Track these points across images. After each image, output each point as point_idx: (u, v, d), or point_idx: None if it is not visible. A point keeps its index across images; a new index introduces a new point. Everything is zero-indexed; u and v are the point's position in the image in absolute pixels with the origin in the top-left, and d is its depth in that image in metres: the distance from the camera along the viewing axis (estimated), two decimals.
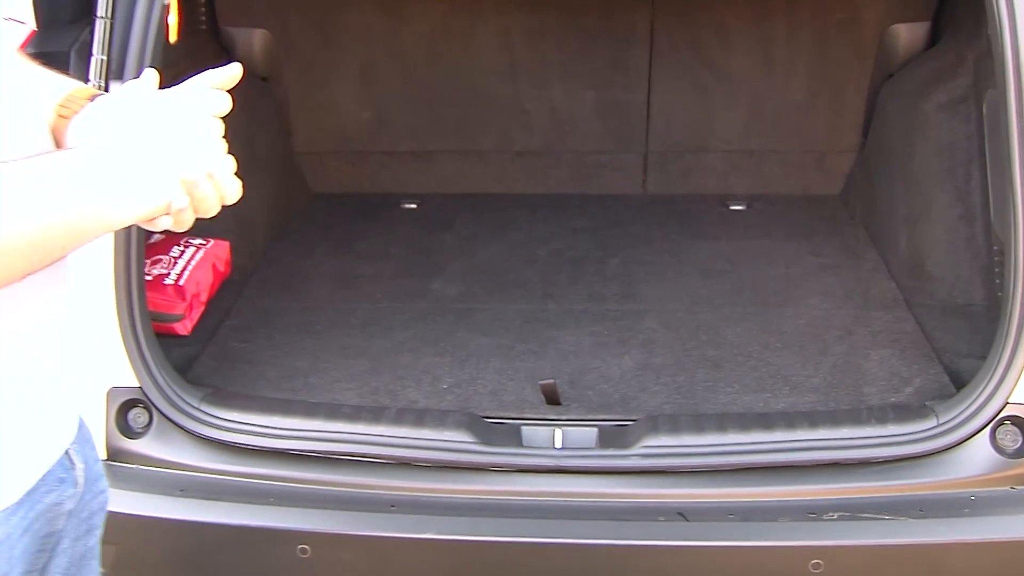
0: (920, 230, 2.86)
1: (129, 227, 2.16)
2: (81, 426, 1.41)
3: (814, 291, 2.85)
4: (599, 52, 3.41)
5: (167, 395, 2.20)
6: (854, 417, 2.15)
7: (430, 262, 3.11)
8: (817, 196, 3.59)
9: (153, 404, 2.20)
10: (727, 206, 3.52)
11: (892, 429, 2.11)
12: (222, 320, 2.74)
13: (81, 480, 1.36)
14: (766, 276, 2.96)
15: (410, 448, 2.11)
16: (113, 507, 2.02)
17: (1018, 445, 2.09)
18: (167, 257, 2.74)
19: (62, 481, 1.32)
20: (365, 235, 3.33)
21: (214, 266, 2.81)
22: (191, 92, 1.25)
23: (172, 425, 2.19)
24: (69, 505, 1.34)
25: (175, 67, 2.98)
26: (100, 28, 2.12)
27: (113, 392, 2.22)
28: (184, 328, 2.62)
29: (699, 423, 2.14)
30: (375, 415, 2.19)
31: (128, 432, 2.22)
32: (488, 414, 2.25)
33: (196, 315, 2.67)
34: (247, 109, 3.22)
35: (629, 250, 3.16)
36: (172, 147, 1.20)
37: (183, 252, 2.77)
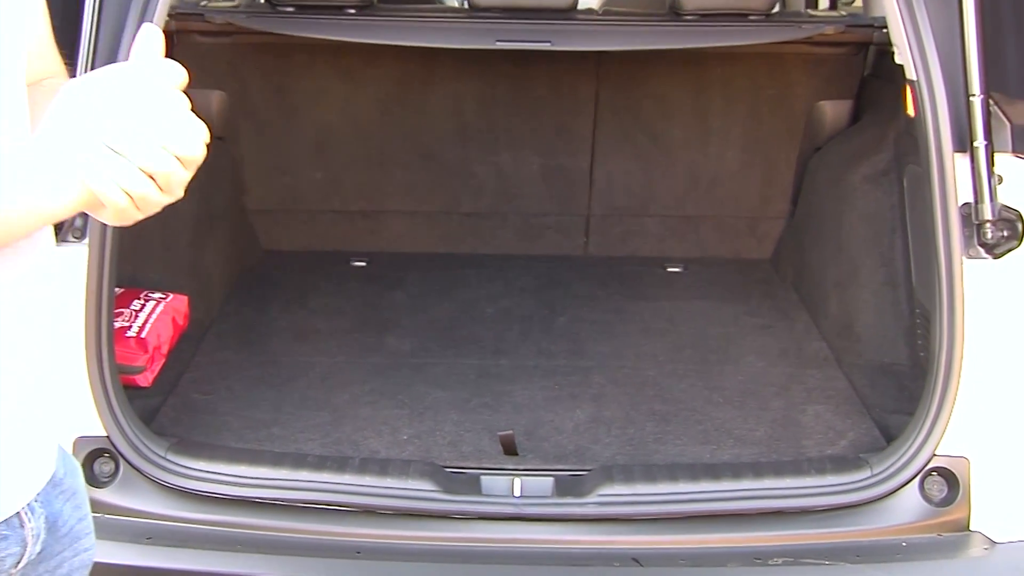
0: (849, 293, 3.02)
1: (101, 277, 2.24)
2: (60, 481, 1.37)
3: (751, 349, 2.99)
4: (546, 120, 3.55)
5: (134, 444, 2.24)
6: (795, 468, 2.28)
7: (382, 318, 3.18)
8: (750, 260, 3.76)
9: (120, 453, 2.23)
10: (664, 268, 3.67)
11: (830, 479, 2.24)
12: (182, 372, 2.77)
13: (30, 540, 1.29)
14: (706, 335, 3.09)
15: (375, 496, 2.17)
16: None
17: (944, 494, 2.24)
18: (128, 310, 2.77)
19: (3, 538, 1.25)
20: (317, 291, 3.40)
21: (174, 319, 2.86)
22: (134, 70, 1.11)
23: (138, 474, 2.23)
24: (9, 563, 1.27)
25: None
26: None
27: (80, 441, 2.25)
28: (145, 380, 2.66)
29: (651, 472, 2.24)
30: (339, 464, 2.25)
31: (94, 481, 2.25)
32: (448, 464, 2.32)
33: (157, 367, 2.71)
34: (206, 167, 3.27)
35: (574, 309, 3.28)
36: (105, 126, 1.07)
37: (143, 306, 2.82)
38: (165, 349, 2.75)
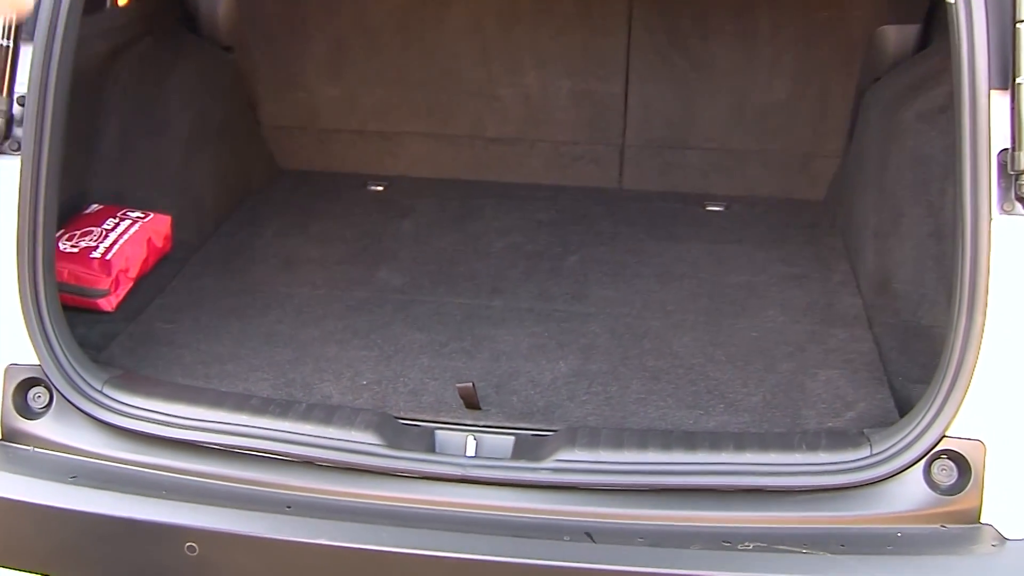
0: (889, 245, 2.75)
1: (36, 191, 2.12)
2: None
3: (774, 302, 2.76)
4: (574, 40, 3.31)
5: (68, 376, 2.14)
6: (784, 442, 2.06)
7: (381, 248, 3.03)
8: (800, 201, 3.49)
9: (53, 384, 2.14)
10: (704, 207, 3.43)
11: (822, 457, 2.02)
12: (153, 298, 2.67)
13: None
14: (727, 284, 2.86)
15: (313, 447, 2.04)
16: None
17: (952, 481, 2.00)
18: (99, 229, 2.68)
19: None
20: (322, 216, 3.26)
21: (150, 241, 2.75)
22: None
23: (72, 408, 2.13)
24: None
25: (126, 31, 2.93)
26: None
27: (11, 369, 2.16)
28: (108, 304, 2.56)
29: (619, 438, 2.05)
30: (283, 409, 2.12)
31: (26, 412, 2.17)
32: (403, 415, 2.17)
33: (123, 291, 2.61)
34: (202, 78, 3.15)
35: (590, 248, 3.08)
36: None
37: (117, 225, 2.71)
38: (134, 272, 2.65)
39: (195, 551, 1.96)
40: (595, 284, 2.84)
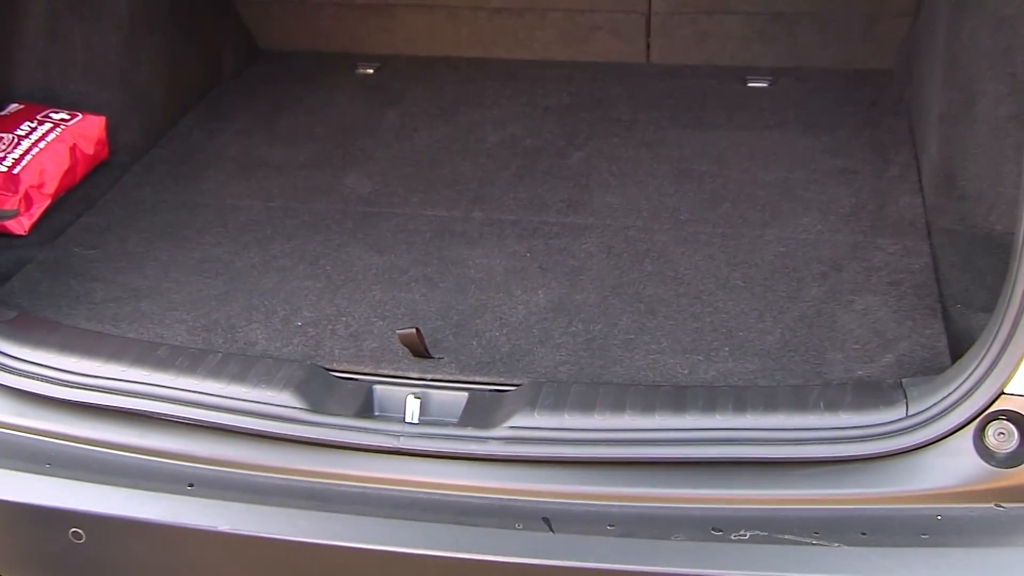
0: (958, 131, 2.31)
1: None
2: None
3: (813, 205, 2.36)
4: None
5: None
6: (798, 398, 1.71)
7: (356, 147, 2.69)
8: (863, 72, 3.03)
9: None
10: (745, 82, 2.99)
11: (844, 419, 1.66)
12: (80, 215, 2.39)
13: None
14: (758, 182, 2.46)
15: (221, 410, 1.75)
16: None
17: (1013, 448, 1.62)
18: (9, 136, 2.38)
19: None
20: (295, 108, 2.92)
21: (75, 148, 2.45)
22: None
23: None
24: None
25: None
26: None
27: None
28: (20, 227, 2.29)
29: (592, 396, 1.72)
30: (193, 362, 1.83)
31: None
32: (337, 366, 1.87)
33: (38, 211, 2.33)
34: None
35: (601, 140, 2.69)
36: None
37: (33, 130, 2.42)
38: (52, 187, 2.36)
39: (81, 538, 1.71)
40: (599, 187, 2.46)
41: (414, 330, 1.82)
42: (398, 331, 1.85)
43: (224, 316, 2.01)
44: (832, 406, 1.68)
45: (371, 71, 3.18)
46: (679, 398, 1.72)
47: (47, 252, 2.24)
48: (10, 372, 1.84)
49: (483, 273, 2.14)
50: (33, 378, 1.83)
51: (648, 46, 3.16)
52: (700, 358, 1.86)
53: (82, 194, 2.47)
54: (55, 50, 2.64)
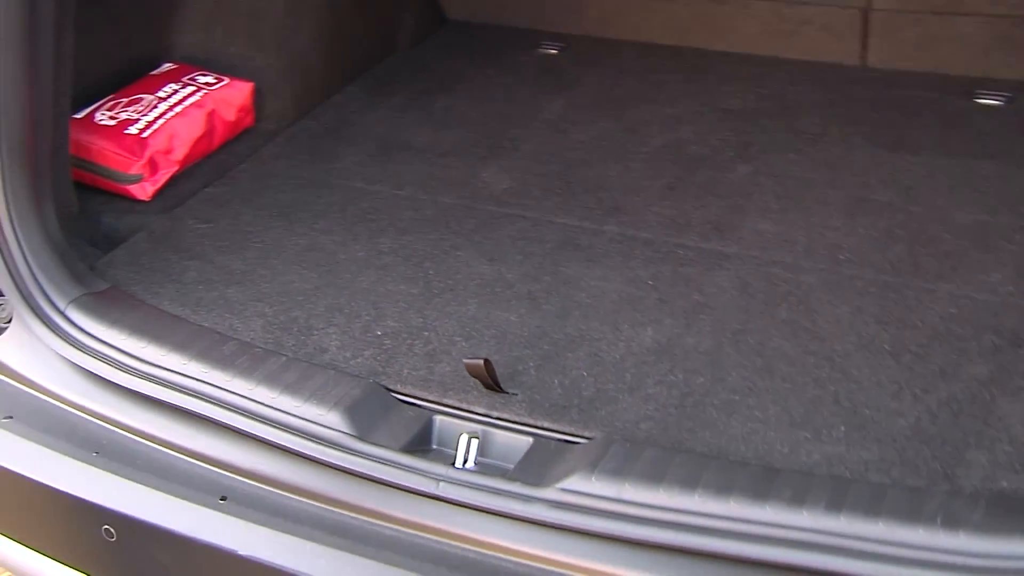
0: None
1: None
2: None
3: (1009, 261, 2.03)
4: None
5: (27, 289, 1.87)
6: (910, 505, 1.44)
7: (505, 137, 2.55)
8: None
9: (11, 299, 1.88)
10: (973, 98, 2.63)
11: (964, 542, 1.39)
12: (207, 183, 2.36)
13: None
14: (949, 223, 2.14)
15: (264, 422, 1.66)
16: None
17: None
18: (150, 98, 2.38)
19: None
20: (458, 87, 2.81)
21: (213, 114, 2.42)
22: None
23: (28, 329, 1.87)
24: None
25: None
26: None
27: None
28: (143, 192, 2.28)
29: (662, 465, 1.52)
30: (253, 363, 1.75)
31: None
32: (402, 388, 1.74)
33: (163, 177, 2.31)
34: None
35: (774, 154, 2.43)
36: None
37: (174, 93, 2.41)
38: (180, 154, 2.34)
39: (112, 536, 1.67)
40: (755, 211, 2.22)
41: (482, 361, 1.67)
42: (465, 360, 1.70)
43: (305, 315, 1.92)
44: (952, 521, 1.41)
45: (554, 51, 3.03)
46: (765, 482, 1.49)
47: (162, 221, 2.22)
48: (79, 349, 1.82)
49: (594, 298, 1.95)
50: (98, 358, 1.80)
51: (864, 47, 2.84)
52: (807, 435, 1.61)
53: (217, 162, 2.44)
54: (219, 11, 2.63)
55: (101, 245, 2.17)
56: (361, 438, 1.62)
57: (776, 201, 2.25)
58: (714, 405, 1.68)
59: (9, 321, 1.93)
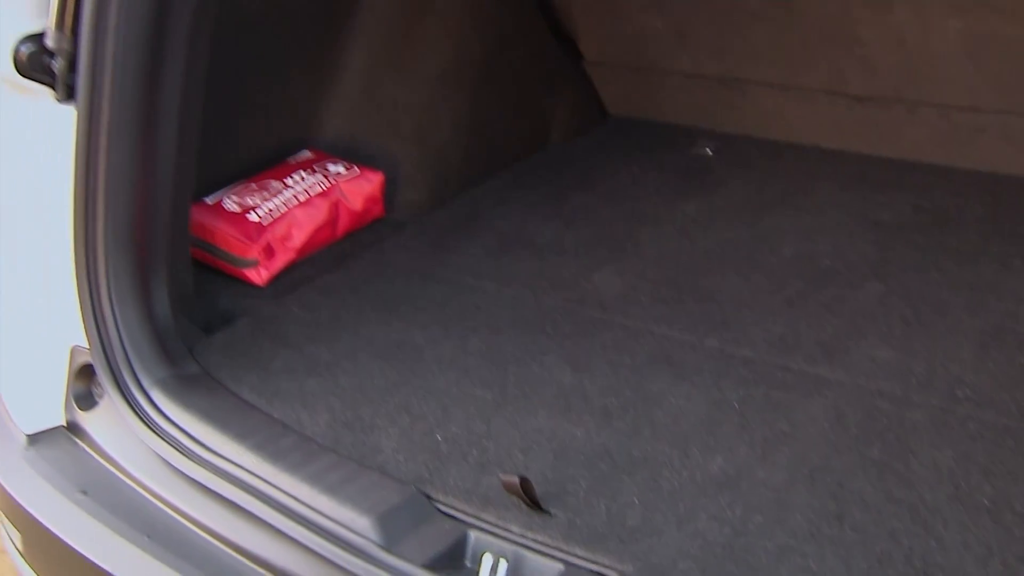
0: None
1: (95, 148, 1.91)
2: None
3: None
4: None
5: (117, 368, 1.95)
6: None
7: (629, 239, 2.49)
8: None
9: (101, 375, 1.97)
10: None
11: None
12: (326, 271, 2.41)
13: None
14: None
15: (297, 521, 1.65)
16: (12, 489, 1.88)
17: None
18: (278, 184, 2.46)
19: None
20: (597, 184, 2.79)
21: (338, 204, 2.48)
22: None
23: (114, 407, 1.95)
24: None
25: None
26: None
27: (75, 351, 2.03)
28: (258, 277, 2.35)
29: None
30: (305, 459, 1.76)
31: (84, 401, 2.03)
32: (442, 498, 1.69)
33: (278, 264, 2.37)
34: (479, 2, 2.78)
35: (914, 273, 2.26)
36: None
37: (302, 180, 2.48)
38: (298, 241, 2.40)
39: None
40: (874, 335, 2.06)
41: (518, 479, 1.60)
42: (502, 476, 1.64)
43: (371, 412, 1.90)
44: None
45: (709, 151, 2.95)
46: None
47: (268, 306, 2.28)
48: (152, 430, 1.88)
49: (670, 418, 1.85)
50: (166, 440, 1.85)
51: None
52: None
53: (339, 250, 2.49)
54: (363, 103, 2.71)
55: (216, 325, 2.24)
56: (387, 548, 1.58)
57: (902, 326, 2.08)
58: (765, 551, 1.55)
59: (101, 399, 2.01)
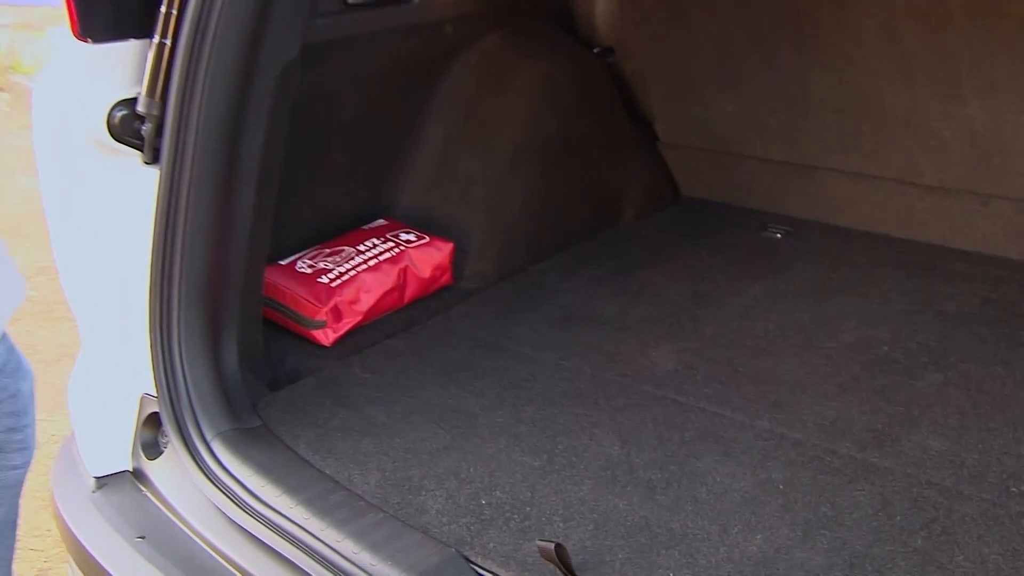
0: None
1: (174, 210, 2.02)
2: None
3: None
4: None
5: (183, 419, 2.04)
6: None
7: (688, 319, 2.52)
8: None
9: (167, 425, 2.05)
10: None
11: None
12: (391, 335, 2.48)
13: None
14: None
15: (337, 574, 1.70)
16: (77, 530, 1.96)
17: None
18: (350, 250, 2.55)
19: None
20: (661, 265, 2.82)
21: (405, 270, 2.55)
22: None
23: (177, 456, 2.03)
24: None
25: (468, 24, 2.73)
26: None
27: (144, 400, 2.12)
28: (325, 338, 2.42)
29: None
30: (351, 515, 1.81)
31: (150, 450, 2.12)
32: (480, 562, 1.73)
33: (345, 326, 2.45)
34: (551, 82, 2.86)
35: (976, 364, 2.25)
36: None
37: (373, 247, 2.56)
38: (365, 306, 2.47)
39: None
40: (929, 424, 2.05)
41: (553, 546, 1.63)
42: (539, 542, 1.67)
43: (420, 474, 1.95)
44: None
45: (778, 235, 2.98)
46: None
47: (334, 366, 2.34)
48: (209, 479, 1.95)
49: (714, 495, 1.86)
50: (223, 491, 1.92)
51: None
52: None
53: (406, 315, 2.56)
54: (439, 176, 2.80)
55: (281, 382, 2.31)
56: None
57: (958, 417, 2.07)
58: None
59: (165, 447, 2.10)
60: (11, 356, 1.51)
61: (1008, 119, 2.54)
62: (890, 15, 2.50)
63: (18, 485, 1.57)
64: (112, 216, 2.10)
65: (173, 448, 2.03)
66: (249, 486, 1.91)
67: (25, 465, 1.55)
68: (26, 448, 1.54)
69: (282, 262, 2.52)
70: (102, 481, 2.13)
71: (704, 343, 2.40)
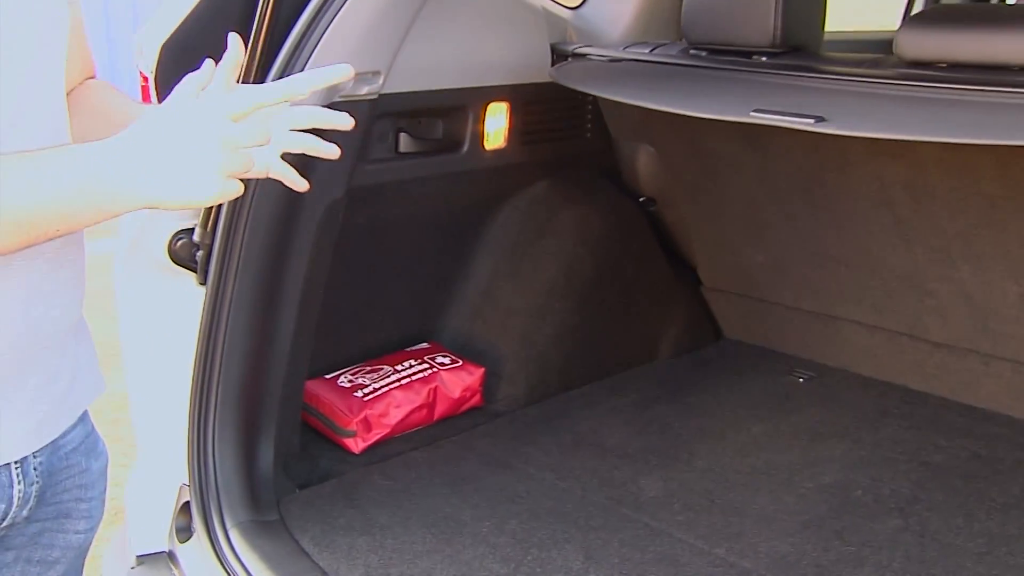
0: None
1: (214, 325, 2.34)
2: (65, 448, 1.56)
3: None
4: (1012, 229, 2.58)
5: (208, 508, 2.33)
6: None
7: (685, 451, 2.71)
8: None
9: (193, 513, 2.35)
10: None
11: None
12: (416, 448, 2.74)
13: (16, 500, 1.47)
14: None
15: None
16: None
17: None
18: (388, 368, 2.84)
19: None
20: (679, 399, 3.02)
21: (435, 391, 2.82)
22: (208, 94, 1.32)
23: (199, 542, 2.32)
24: None
25: (514, 173, 3.04)
26: None
27: (183, 488, 2.42)
28: (355, 446, 2.70)
29: None
30: None
31: (182, 534, 2.41)
32: None
33: (374, 437, 2.72)
34: (588, 225, 3.13)
35: (942, 517, 2.37)
36: (170, 145, 1.28)
37: (409, 367, 2.84)
38: (393, 420, 2.75)
39: None
40: (873, 564, 2.18)
41: None
42: None
43: (397, 572, 2.18)
44: None
45: (801, 379, 3.14)
46: None
47: (358, 471, 2.61)
48: (223, 566, 2.23)
49: None
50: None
51: None
52: None
53: (434, 431, 2.82)
54: (482, 305, 3.08)
55: (312, 483, 2.59)
56: None
57: (903, 561, 2.20)
58: None
59: (194, 532, 2.39)
60: (88, 437, 1.64)
61: (997, 285, 2.67)
62: (882, 183, 2.69)
63: (81, 548, 1.68)
64: (171, 327, 2.45)
65: (197, 534, 2.33)
66: (252, 572, 2.18)
67: (89, 531, 1.68)
68: (91, 517, 1.66)
69: (328, 376, 2.82)
70: (142, 559, 2.42)
71: (692, 475, 2.58)
